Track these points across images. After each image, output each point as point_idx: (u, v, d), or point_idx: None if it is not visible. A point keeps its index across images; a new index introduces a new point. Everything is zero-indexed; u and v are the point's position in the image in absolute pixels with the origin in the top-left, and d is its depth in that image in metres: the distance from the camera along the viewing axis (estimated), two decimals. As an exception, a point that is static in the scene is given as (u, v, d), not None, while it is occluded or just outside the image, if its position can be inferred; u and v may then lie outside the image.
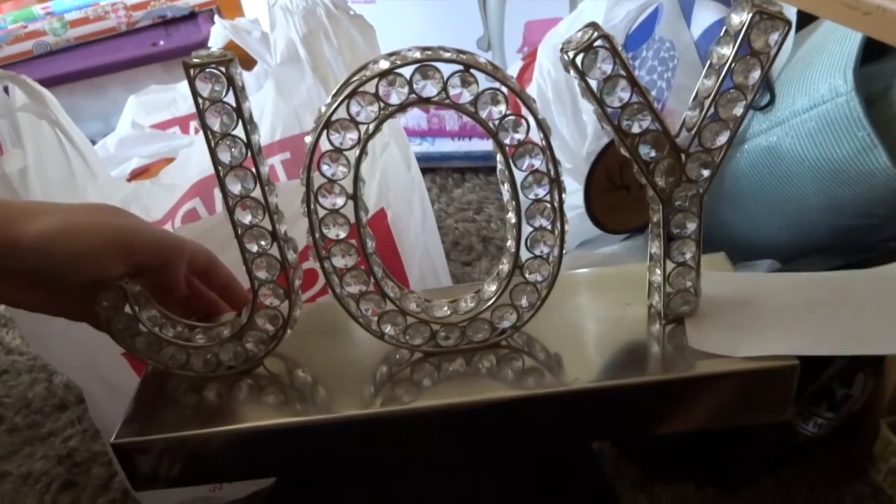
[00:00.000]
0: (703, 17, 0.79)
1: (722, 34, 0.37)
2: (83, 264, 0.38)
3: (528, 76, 0.95)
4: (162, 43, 1.21)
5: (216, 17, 0.80)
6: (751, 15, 0.35)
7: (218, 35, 0.80)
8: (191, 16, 1.26)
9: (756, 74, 0.36)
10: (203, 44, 0.82)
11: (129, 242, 0.39)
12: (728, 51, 0.36)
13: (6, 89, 0.59)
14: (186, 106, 0.83)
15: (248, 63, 0.77)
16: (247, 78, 0.83)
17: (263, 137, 0.67)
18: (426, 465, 0.44)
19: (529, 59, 1.05)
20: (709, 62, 0.38)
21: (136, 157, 0.79)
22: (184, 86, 0.83)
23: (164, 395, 0.44)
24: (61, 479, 0.79)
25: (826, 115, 0.60)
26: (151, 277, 0.41)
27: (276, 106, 0.68)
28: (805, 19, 0.72)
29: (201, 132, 0.74)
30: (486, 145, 1.27)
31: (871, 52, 0.63)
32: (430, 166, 1.28)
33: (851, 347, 0.40)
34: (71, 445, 0.82)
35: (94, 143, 0.65)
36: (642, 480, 0.72)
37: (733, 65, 0.36)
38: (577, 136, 0.75)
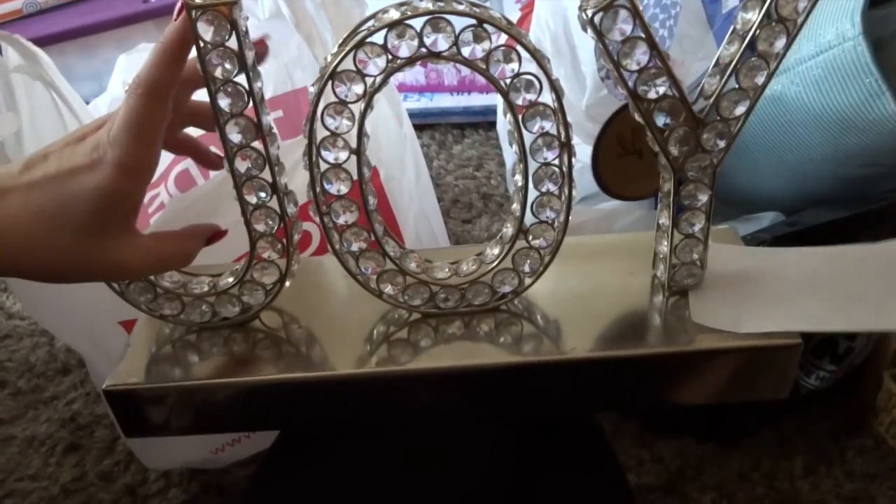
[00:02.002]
0: (708, -38, 0.77)
1: (748, -1, 0.35)
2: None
3: (525, 27, 0.92)
4: (153, 0, 1.18)
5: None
6: (780, -21, 0.33)
7: None
8: None
9: (781, 42, 0.35)
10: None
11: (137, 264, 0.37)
12: (753, 16, 0.35)
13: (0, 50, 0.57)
14: None
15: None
16: None
17: (254, 94, 0.66)
18: (423, 422, 0.44)
19: (527, 10, 1.02)
20: (732, 27, 0.36)
21: None
22: None
23: (158, 345, 0.43)
24: (66, 441, 0.79)
25: (832, 62, 0.58)
26: None
27: (266, 63, 0.66)
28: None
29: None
30: (486, 100, 1.24)
31: (880, -6, 0.61)
32: (429, 122, 1.25)
33: (855, 324, 0.40)
34: (74, 409, 0.83)
35: (87, 104, 0.63)
36: (643, 436, 0.73)
37: (758, 31, 0.35)
38: (577, 89, 0.74)
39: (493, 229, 1.03)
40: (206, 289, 0.43)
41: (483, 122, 1.24)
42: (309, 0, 0.62)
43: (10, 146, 0.54)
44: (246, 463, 0.73)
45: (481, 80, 1.21)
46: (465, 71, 1.24)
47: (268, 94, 0.66)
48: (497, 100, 1.14)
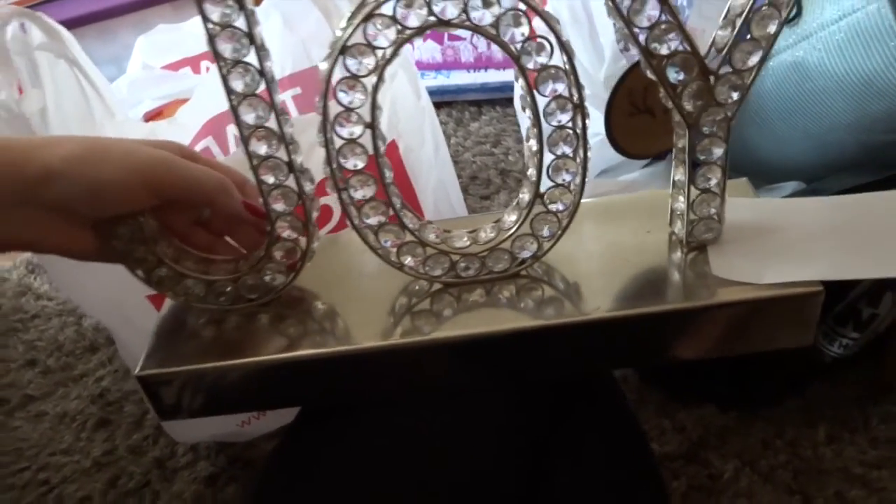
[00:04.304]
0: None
1: (757, -54, 0.35)
2: (110, 192, 0.37)
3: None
4: None
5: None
6: (789, -75, 0.33)
7: None
8: None
9: (792, -10, 0.34)
10: None
11: (157, 174, 0.38)
12: (763, -36, 0.34)
13: (23, 27, 0.57)
14: (196, 45, 0.81)
15: (257, -2, 0.74)
16: (256, 12, 0.80)
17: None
18: (446, 393, 0.44)
19: None
20: (742, -23, 0.36)
21: (148, 100, 0.77)
22: (192, 24, 0.81)
23: (185, 328, 0.44)
24: (95, 417, 0.81)
25: (856, 26, 0.58)
26: (187, 212, 0.41)
27: (283, 39, 0.66)
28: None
29: (213, 70, 0.72)
30: (503, 76, 1.23)
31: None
32: (446, 100, 1.25)
33: (876, 270, 0.40)
34: (103, 385, 0.85)
35: (108, 84, 0.64)
36: (665, 406, 0.73)
37: (768, -21, 0.34)
38: (595, 60, 0.73)
39: (513, 201, 1.03)
40: (228, 271, 0.43)
41: (501, 98, 1.24)
42: None
43: (35, 122, 0.55)
44: (271, 436, 0.74)
45: (498, 56, 1.23)
46: (482, 47, 1.23)
47: (287, 71, 0.65)
48: (514, 75, 1.14)
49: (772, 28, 0.35)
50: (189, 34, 0.81)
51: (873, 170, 0.63)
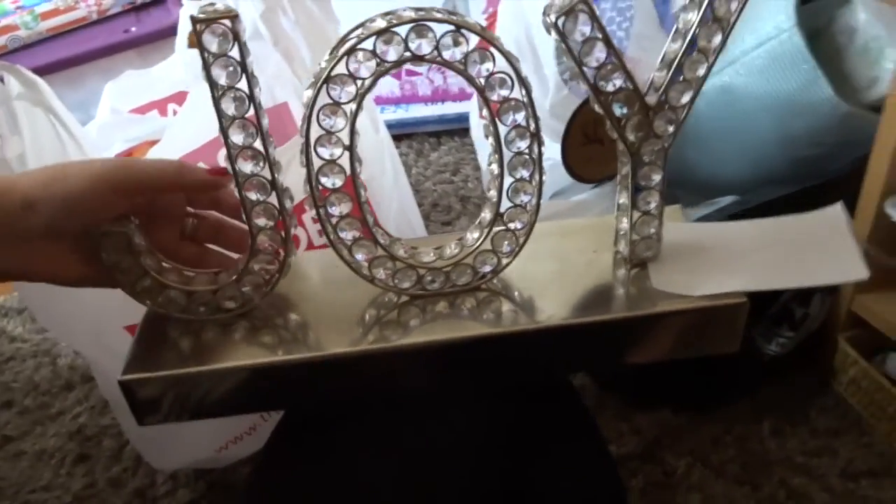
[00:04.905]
0: (656, -36, 0.83)
1: (687, 2, 0.41)
2: (82, 202, 0.40)
3: (490, 34, 0.98)
4: (134, 29, 1.23)
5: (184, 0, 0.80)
6: (714, -16, 0.39)
7: (187, 16, 0.81)
8: (160, 0, 1.28)
9: (718, 39, 0.40)
10: (174, 27, 0.83)
11: (118, 176, 0.40)
12: (693, 16, 0.40)
13: (2, 79, 0.61)
14: (163, 88, 0.84)
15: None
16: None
17: (237, 112, 0.69)
18: (416, 402, 0.47)
19: (492, 19, 1.08)
20: (675, 27, 0.41)
21: (118, 142, 0.79)
22: (159, 69, 0.84)
23: (165, 337, 0.46)
24: (74, 453, 0.82)
25: (772, 51, 0.65)
26: (152, 208, 0.44)
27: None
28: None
29: (180, 112, 0.76)
30: (459, 108, 1.30)
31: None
32: (406, 132, 1.31)
33: (791, 281, 0.45)
34: (81, 422, 0.86)
35: (79, 129, 0.67)
36: (623, 410, 0.78)
37: (697, 30, 0.40)
38: (540, 90, 0.79)
39: (475, 221, 1.08)
40: (209, 283, 0.46)
41: (458, 128, 1.30)
42: (285, 19, 0.66)
43: (15, 167, 0.59)
44: (249, 460, 0.76)
45: (454, 88, 1.29)
46: (438, 81, 1.30)
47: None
48: (470, 107, 1.19)
49: (701, 71, 0.41)
50: (156, 78, 0.84)
51: (798, 181, 0.70)
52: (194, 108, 0.73)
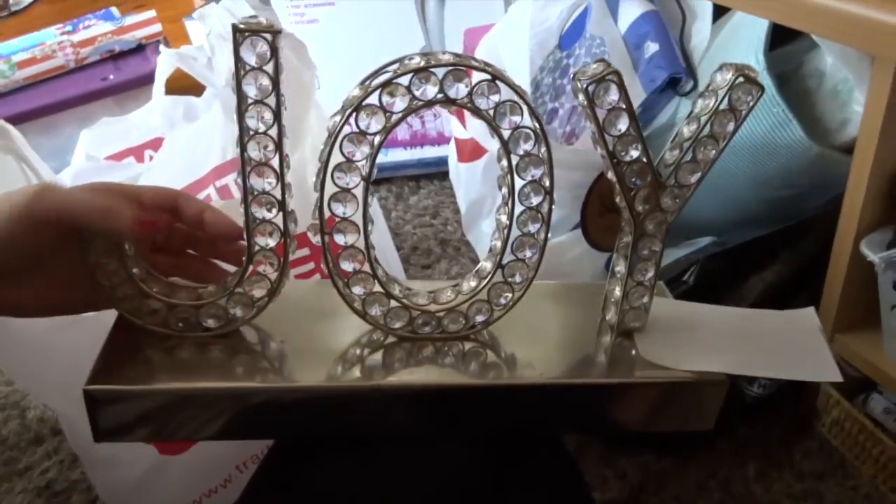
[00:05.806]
0: (629, 13, 0.88)
1: (705, 89, 0.43)
2: (8, 237, 0.38)
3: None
4: (112, 77, 1.21)
5: (161, 47, 0.79)
6: (734, 77, 0.41)
7: (165, 63, 0.80)
8: (139, 48, 1.27)
9: (731, 126, 0.42)
10: (152, 74, 0.83)
11: (37, 208, 0.38)
12: (711, 103, 0.42)
13: None
14: (140, 134, 0.83)
15: (199, 89, 0.78)
16: (198, 102, 0.83)
17: (215, 158, 0.68)
18: (394, 443, 0.46)
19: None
20: (690, 111, 0.44)
21: None
22: (136, 115, 0.84)
23: (136, 350, 0.44)
24: None
25: None
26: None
27: (225, 127, 0.68)
28: (720, 11, 0.81)
29: (156, 158, 0.76)
30: (438, 151, 1.32)
31: (782, 35, 0.71)
32: (386, 176, 1.33)
33: (770, 372, 0.47)
34: (49, 477, 0.82)
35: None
36: (606, 455, 0.77)
37: (713, 117, 0.42)
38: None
39: (453, 272, 1.09)
40: (191, 299, 0.44)
41: (437, 172, 1.33)
42: None
43: None
44: None
45: (432, 133, 1.31)
46: (416, 126, 1.32)
47: (228, 156, 0.67)
48: (448, 150, 1.21)
49: (711, 154, 0.43)
50: (133, 125, 0.83)
51: (774, 222, 0.72)
52: (170, 153, 0.73)
